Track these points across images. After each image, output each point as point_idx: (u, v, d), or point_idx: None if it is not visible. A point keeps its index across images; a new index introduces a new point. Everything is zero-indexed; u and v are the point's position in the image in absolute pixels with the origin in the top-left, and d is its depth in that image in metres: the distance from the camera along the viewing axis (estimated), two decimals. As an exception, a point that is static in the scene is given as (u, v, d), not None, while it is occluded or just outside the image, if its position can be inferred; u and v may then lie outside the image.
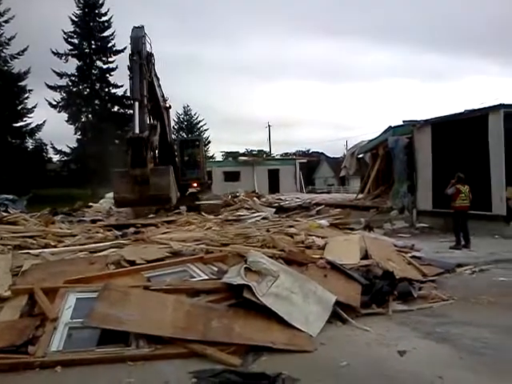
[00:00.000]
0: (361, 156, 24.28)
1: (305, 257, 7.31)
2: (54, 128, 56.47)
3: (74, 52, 43.43)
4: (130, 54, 14.82)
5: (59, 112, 42.96)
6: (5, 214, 13.65)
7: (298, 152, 63.71)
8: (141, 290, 5.45)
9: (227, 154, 58.19)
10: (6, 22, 38.65)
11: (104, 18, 44.08)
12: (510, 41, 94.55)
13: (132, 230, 10.93)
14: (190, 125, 62.90)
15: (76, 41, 43.79)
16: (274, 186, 35.87)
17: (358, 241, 8.43)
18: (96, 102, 44.03)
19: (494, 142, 12.72)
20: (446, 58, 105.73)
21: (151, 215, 14.63)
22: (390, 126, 18.33)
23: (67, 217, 15.60)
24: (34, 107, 40.34)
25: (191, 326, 4.72)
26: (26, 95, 39.86)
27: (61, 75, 42.49)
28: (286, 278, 5.76)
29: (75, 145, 43.63)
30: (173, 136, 21.92)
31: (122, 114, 43.99)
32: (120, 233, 10.35)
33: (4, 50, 38.95)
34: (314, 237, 9.13)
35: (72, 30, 43.36)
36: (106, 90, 44.90)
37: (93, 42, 44.08)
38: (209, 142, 58.28)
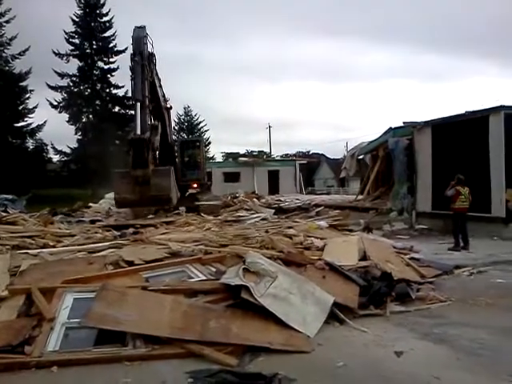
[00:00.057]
0: (361, 157, 24.29)
1: (303, 258, 7.31)
2: (54, 128, 56.38)
3: (75, 52, 43.52)
4: (131, 55, 14.83)
5: (60, 112, 43.17)
6: (4, 213, 13.65)
7: (298, 153, 63.71)
8: (139, 290, 5.45)
9: (227, 155, 58.18)
10: (7, 22, 38.81)
11: (105, 19, 44.22)
12: (509, 41, 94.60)
13: (131, 230, 10.93)
14: (190, 125, 62.97)
15: (77, 41, 43.90)
16: (273, 187, 35.86)
17: (357, 242, 8.43)
18: (97, 102, 44.12)
19: (494, 143, 12.73)
20: (445, 59, 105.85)
21: (150, 216, 14.63)
22: (391, 128, 18.34)
23: (66, 217, 15.62)
24: (35, 107, 40.55)
25: (189, 327, 4.72)
26: (27, 95, 40.05)
27: (62, 75, 42.61)
28: (285, 278, 5.77)
29: (75, 145, 43.73)
30: (173, 137, 21.91)
31: (123, 114, 44.04)
32: (119, 233, 10.34)
33: (5, 50, 39.14)
34: (312, 238, 9.12)
35: (73, 30, 43.55)
36: (107, 90, 44.98)
37: (94, 43, 44.16)
38: (209, 143, 58.41)
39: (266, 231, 10.34)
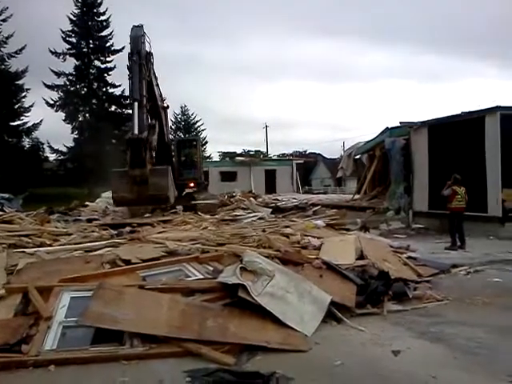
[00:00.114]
0: (358, 157, 24.33)
1: (300, 257, 7.32)
2: (50, 127, 56.51)
3: (71, 51, 43.39)
4: (129, 54, 14.79)
5: (56, 111, 43.08)
6: (0, 212, 13.59)
7: (295, 153, 63.81)
8: (136, 289, 5.44)
9: (224, 154, 58.24)
10: (4, 20, 38.60)
11: (102, 18, 44.13)
12: (509, 42, 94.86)
13: (128, 229, 10.93)
14: (187, 125, 62.86)
15: (74, 40, 43.79)
16: (270, 187, 35.90)
17: (354, 241, 8.44)
18: (93, 101, 44.00)
19: (490, 143, 12.77)
20: (444, 59, 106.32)
21: (147, 215, 14.62)
22: (387, 128, 18.38)
23: (63, 216, 15.56)
24: (31, 106, 40.36)
25: (186, 325, 4.71)
26: (24, 94, 39.88)
27: (58, 74, 42.46)
28: (282, 277, 5.77)
29: (72, 144, 43.59)
30: (170, 136, 21.89)
31: (120, 113, 44.04)
32: (116, 232, 10.34)
33: (1, 49, 38.90)
34: (309, 237, 9.14)
35: (70, 29, 43.43)
36: (104, 89, 44.87)
37: (91, 42, 44.05)
38: (206, 142, 58.29)
39: (263, 230, 10.36)
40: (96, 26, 44.03)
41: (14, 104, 39.12)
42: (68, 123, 43.27)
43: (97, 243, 8.51)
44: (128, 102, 38.13)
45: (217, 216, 14.84)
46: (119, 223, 12.32)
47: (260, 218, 14.36)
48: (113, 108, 45.19)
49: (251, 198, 21.77)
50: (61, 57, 42.80)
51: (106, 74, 44.47)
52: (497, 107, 12.96)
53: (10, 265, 6.55)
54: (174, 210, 15.54)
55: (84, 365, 4.19)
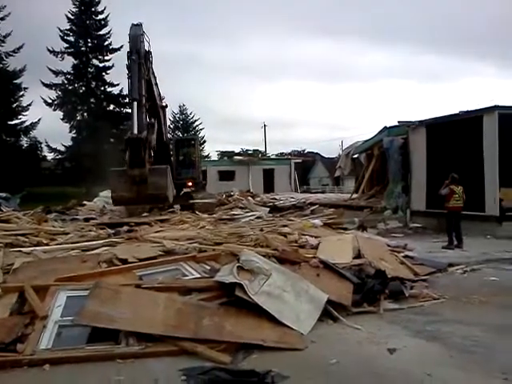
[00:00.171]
0: (356, 156, 24.34)
1: (298, 256, 7.32)
2: (48, 126, 56.33)
3: (69, 50, 43.28)
4: (128, 53, 14.69)
5: (54, 110, 42.92)
6: (-3, 211, 13.57)
7: (294, 152, 63.72)
8: (132, 288, 5.43)
9: (222, 154, 58.15)
10: (2, 19, 38.53)
11: (100, 16, 43.97)
12: (508, 42, 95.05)
13: (125, 228, 10.90)
14: (185, 124, 62.76)
15: (72, 39, 43.65)
16: (268, 186, 35.87)
17: (351, 240, 8.45)
18: (91, 100, 43.90)
19: (488, 143, 12.79)
20: (444, 59, 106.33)
21: (145, 214, 14.58)
22: (385, 127, 18.39)
23: (60, 215, 15.49)
24: (29, 105, 40.32)
25: (182, 324, 4.71)
26: (21, 93, 39.83)
27: (56, 73, 42.36)
28: (279, 276, 5.77)
29: (70, 143, 43.48)
30: (168, 135, 21.85)
31: (118, 112, 43.99)
32: (113, 231, 10.30)
33: (-1, 48, 38.82)
34: (307, 236, 9.13)
35: (68, 27, 43.31)
36: (102, 88, 44.77)
37: (89, 40, 43.94)
38: (204, 142, 58.28)
39: (261, 229, 10.35)
40: (94, 25, 43.92)
41: (11, 103, 39.04)
42: (66, 122, 43.23)
43: (94, 242, 8.49)
44: (126, 101, 38.20)
45: (214, 215, 14.81)
46: (117, 222, 12.28)
47: (258, 218, 14.32)
48: (111, 107, 45.08)
49: (249, 198, 21.74)
50: (59, 55, 42.77)
51: (104, 73, 44.37)
52: (495, 106, 13.00)
53: (7, 264, 6.55)
54: (171, 209, 15.51)
55: (79, 364, 4.18)
